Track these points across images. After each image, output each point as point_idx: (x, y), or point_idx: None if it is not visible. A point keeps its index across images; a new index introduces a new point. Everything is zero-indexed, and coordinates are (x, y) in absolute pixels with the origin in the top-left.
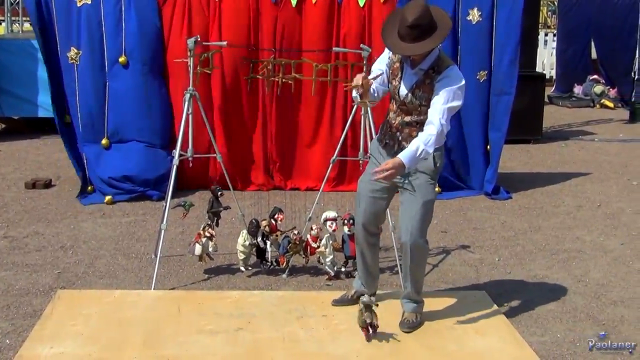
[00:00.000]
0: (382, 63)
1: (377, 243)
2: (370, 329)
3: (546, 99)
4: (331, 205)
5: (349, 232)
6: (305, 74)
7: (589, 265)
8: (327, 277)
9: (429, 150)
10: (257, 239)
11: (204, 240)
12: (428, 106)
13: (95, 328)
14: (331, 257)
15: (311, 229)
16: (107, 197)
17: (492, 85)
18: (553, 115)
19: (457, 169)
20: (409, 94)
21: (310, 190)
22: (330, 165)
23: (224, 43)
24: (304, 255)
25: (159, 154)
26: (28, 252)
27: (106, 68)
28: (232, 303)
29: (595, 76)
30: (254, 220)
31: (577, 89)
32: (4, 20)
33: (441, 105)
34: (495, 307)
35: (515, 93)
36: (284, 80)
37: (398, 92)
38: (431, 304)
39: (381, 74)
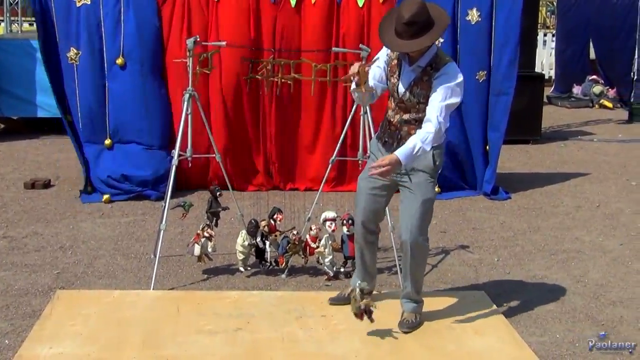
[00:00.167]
0: (380, 61)
1: (375, 242)
2: (365, 315)
3: (545, 99)
4: (330, 205)
5: (348, 233)
6: (305, 74)
7: (588, 265)
8: (326, 277)
9: (426, 148)
10: (256, 239)
11: (202, 240)
12: (426, 103)
13: (95, 328)
14: (330, 257)
15: (310, 229)
16: (105, 196)
17: (491, 86)
18: (552, 116)
19: (456, 169)
20: (407, 92)
21: (310, 191)
22: (330, 166)
23: (223, 43)
24: (303, 256)
25: (158, 154)
26: (27, 252)
27: (105, 68)
28: (231, 303)
29: (594, 76)
30: (253, 221)
31: (576, 89)
32: (2, 21)
33: (439, 103)
34: (494, 307)
35: (514, 93)
36: (283, 80)
37: (396, 90)
38: (430, 304)
39: (377, 59)
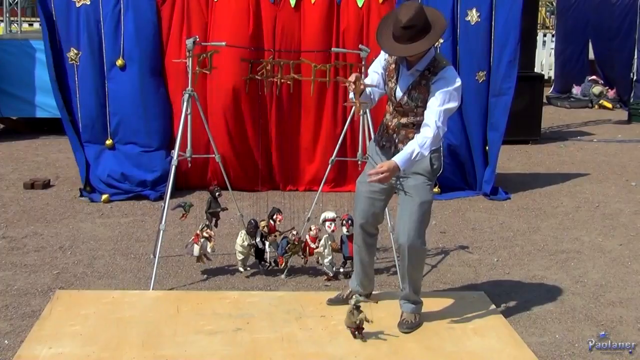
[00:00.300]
0: (378, 65)
1: (374, 244)
2: (357, 331)
3: (545, 100)
4: (330, 205)
5: (347, 233)
6: (304, 74)
7: (587, 265)
8: (325, 277)
9: (425, 153)
10: (255, 240)
11: (202, 240)
12: (424, 107)
13: (94, 328)
14: (330, 257)
15: (310, 229)
16: (104, 196)
17: (490, 86)
18: (551, 116)
19: (456, 169)
20: (405, 96)
21: (309, 191)
22: (329, 166)
23: (223, 43)
24: (302, 256)
25: (158, 155)
26: (27, 253)
27: (105, 69)
28: (230, 303)
29: (594, 77)
30: (252, 221)
31: (576, 90)
32: (2, 21)
33: (437, 107)
34: (493, 307)
35: (513, 94)
36: (282, 80)
37: (394, 94)
38: (430, 305)
39: (376, 85)
